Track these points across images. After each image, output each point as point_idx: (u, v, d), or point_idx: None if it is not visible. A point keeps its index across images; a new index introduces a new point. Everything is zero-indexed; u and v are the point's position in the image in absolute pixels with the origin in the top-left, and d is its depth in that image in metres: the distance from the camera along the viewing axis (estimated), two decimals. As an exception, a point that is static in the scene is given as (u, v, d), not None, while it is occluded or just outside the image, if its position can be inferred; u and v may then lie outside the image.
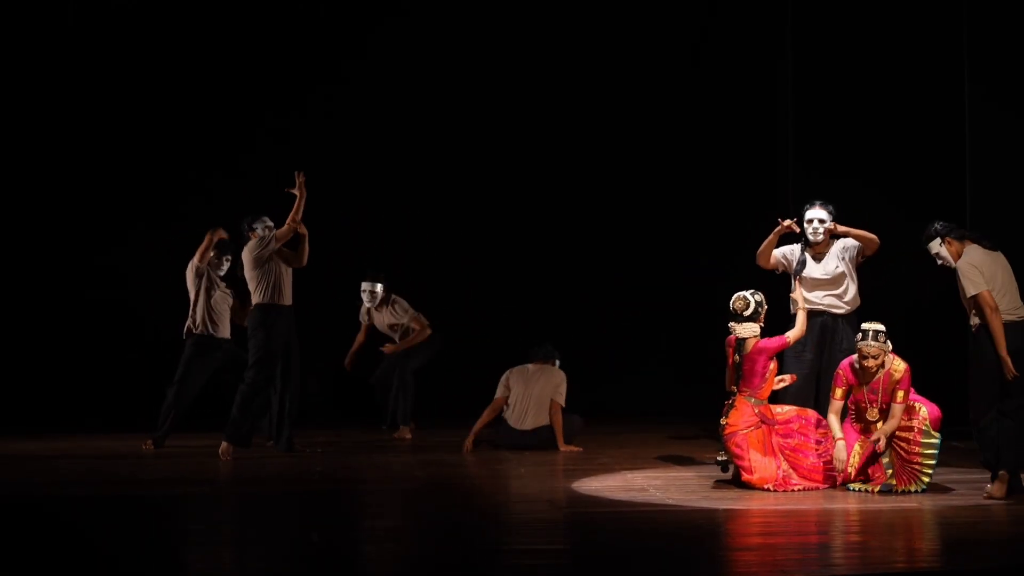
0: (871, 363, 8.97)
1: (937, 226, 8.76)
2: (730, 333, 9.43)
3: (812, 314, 9.89)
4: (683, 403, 13.32)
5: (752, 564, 7.05)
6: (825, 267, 9.97)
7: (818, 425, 9.32)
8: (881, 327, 9.00)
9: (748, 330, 9.37)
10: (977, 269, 8.52)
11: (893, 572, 6.78)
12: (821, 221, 9.92)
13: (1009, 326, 8.49)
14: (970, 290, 8.50)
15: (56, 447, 11.72)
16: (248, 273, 11.02)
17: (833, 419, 9.06)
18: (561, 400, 11.34)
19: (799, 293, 9.79)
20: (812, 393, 9.84)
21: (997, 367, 8.45)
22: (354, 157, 14.12)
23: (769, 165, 13.80)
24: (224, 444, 10.74)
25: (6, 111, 13.87)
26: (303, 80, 14.07)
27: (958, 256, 8.70)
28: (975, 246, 8.66)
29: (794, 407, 9.45)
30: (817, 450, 9.22)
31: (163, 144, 13.95)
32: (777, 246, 10.09)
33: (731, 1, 14.28)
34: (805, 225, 9.96)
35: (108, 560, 7.14)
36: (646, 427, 12.74)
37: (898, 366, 8.99)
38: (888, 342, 9.00)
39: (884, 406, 8.99)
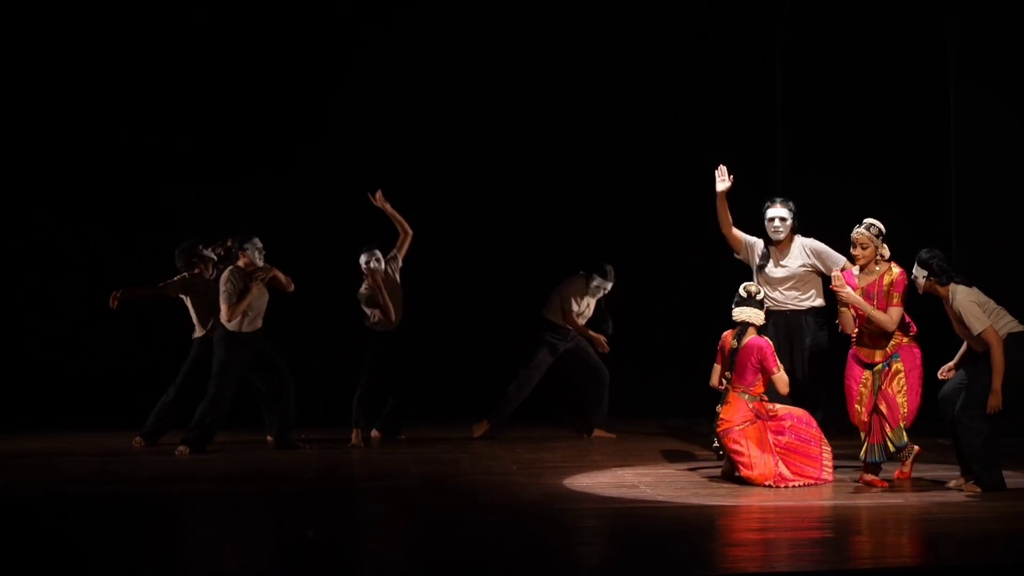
0: (859, 252, 9.12)
1: (934, 262, 8.85)
2: (726, 330, 9.56)
3: (774, 313, 9.91)
4: (674, 401, 13.34)
5: (740, 559, 7.13)
6: (788, 265, 9.97)
7: (810, 424, 9.38)
8: (878, 223, 9.16)
9: (755, 315, 9.45)
10: (976, 305, 8.73)
11: (880, 568, 6.88)
12: (782, 219, 9.95)
13: (1012, 337, 8.72)
14: (977, 328, 8.69)
15: (54, 445, 11.77)
16: (222, 292, 11.18)
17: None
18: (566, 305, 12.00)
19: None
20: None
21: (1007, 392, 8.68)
22: (351, 161, 14.15)
23: (761, 167, 13.91)
24: (183, 447, 11.13)
25: (22, 115, 13.91)
26: (309, 89, 14.17)
27: (926, 292, 8.91)
28: (959, 286, 8.83)
29: (786, 406, 9.48)
30: (809, 450, 9.30)
31: (175, 151, 13.99)
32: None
33: (725, 10, 14.32)
34: (766, 224, 10.00)
35: (106, 558, 7.20)
36: (638, 425, 12.78)
37: (894, 270, 9.12)
38: (882, 240, 9.14)
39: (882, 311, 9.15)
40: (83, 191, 13.95)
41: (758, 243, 10.13)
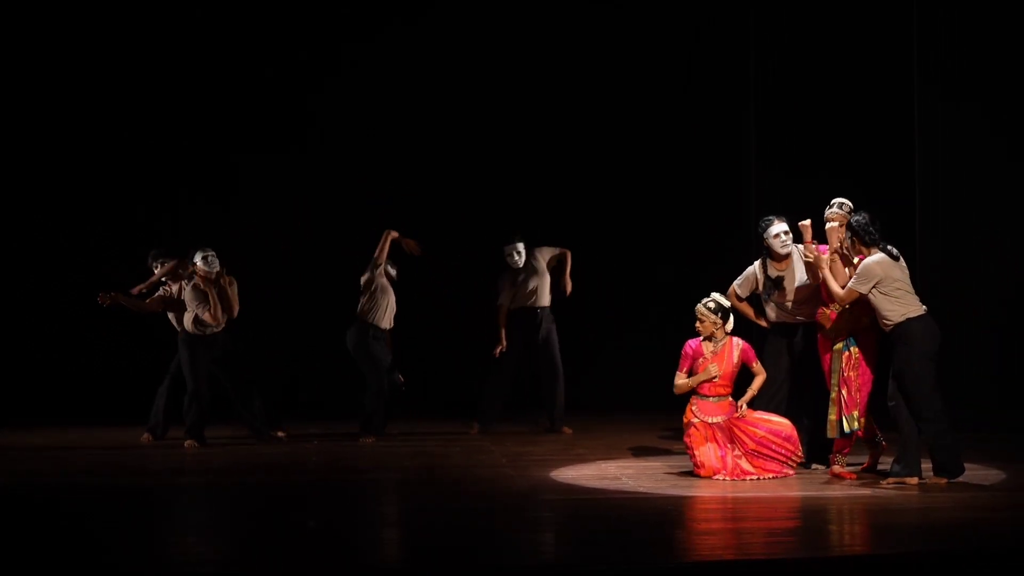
0: (833, 228, 9.37)
1: (867, 224, 9.09)
2: (736, 336, 9.75)
3: (787, 328, 9.92)
4: (656, 396, 13.55)
5: (716, 547, 7.33)
6: (798, 279, 9.83)
7: (788, 440, 9.49)
8: (848, 201, 9.41)
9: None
10: (872, 274, 8.99)
11: (849, 556, 7.09)
12: (787, 232, 9.83)
13: (915, 320, 9.00)
14: (854, 285, 9.04)
15: (62, 439, 11.98)
16: (187, 301, 11.55)
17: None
18: None
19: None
20: (784, 397, 9.88)
21: (920, 367, 8.98)
22: (344, 162, 14.39)
23: (734, 168, 14.23)
24: (189, 441, 11.41)
25: (22, 116, 14.09)
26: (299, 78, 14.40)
27: (847, 246, 9.25)
28: (880, 252, 9.07)
29: (775, 421, 9.56)
30: (776, 458, 9.47)
31: (175, 151, 14.22)
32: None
33: (697, 17, 14.64)
34: (771, 240, 9.86)
35: (114, 546, 7.36)
36: (620, 419, 13.01)
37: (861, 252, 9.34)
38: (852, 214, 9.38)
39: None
40: (83, 192, 14.11)
41: (754, 272, 10.01)
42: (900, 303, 9.02)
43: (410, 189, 14.42)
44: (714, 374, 9.60)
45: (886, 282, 9.01)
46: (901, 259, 9.16)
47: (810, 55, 13.08)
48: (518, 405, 12.88)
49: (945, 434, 9.04)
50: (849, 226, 9.22)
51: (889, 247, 9.13)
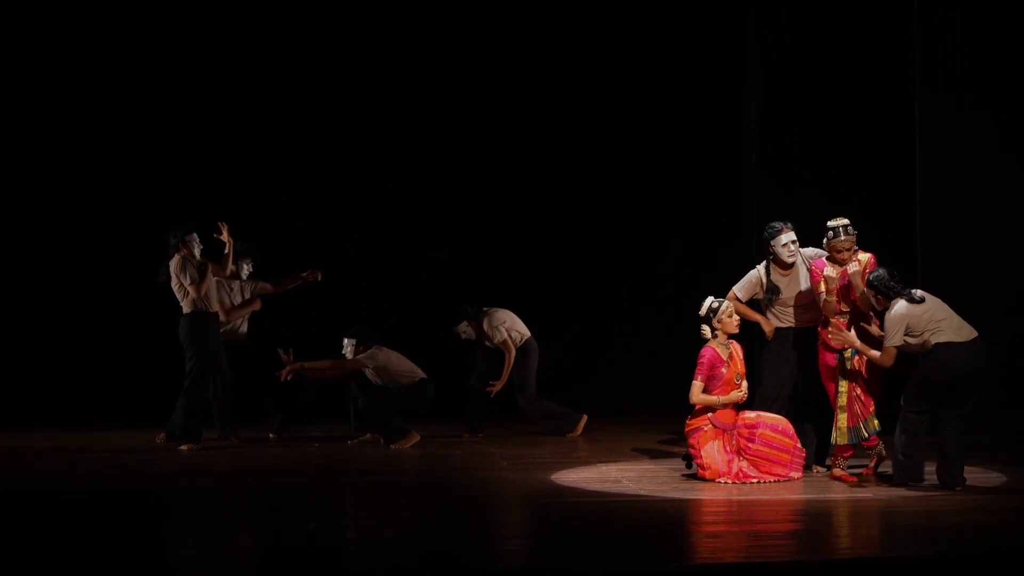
0: (846, 255, 9.36)
1: (886, 280, 9.09)
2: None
3: (788, 333, 9.89)
4: (657, 399, 13.40)
5: (718, 550, 7.35)
6: (802, 284, 9.81)
7: (784, 433, 9.44)
8: (846, 220, 9.41)
9: (705, 331, 9.67)
10: (894, 325, 9.00)
11: (849, 559, 7.12)
12: (795, 242, 9.77)
13: (957, 346, 8.96)
14: (887, 342, 9.04)
15: (68, 441, 12.01)
16: (175, 284, 11.48)
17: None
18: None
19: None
20: (784, 402, 9.84)
21: (920, 377, 9.02)
22: (343, 161, 14.44)
23: (734, 171, 14.25)
24: (188, 444, 11.32)
25: (22, 116, 14.14)
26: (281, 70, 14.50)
27: (869, 303, 9.26)
28: (902, 301, 9.04)
29: (760, 414, 9.55)
30: (780, 457, 9.42)
31: (175, 150, 14.30)
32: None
33: (700, 21, 14.68)
34: (779, 249, 9.80)
35: (112, 551, 7.37)
36: (621, 422, 13.01)
37: (863, 256, 9.39)
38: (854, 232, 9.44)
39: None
40: (83, 191, 14.16)
41: (758, 275, 9.96)
42: (933, 336, 8.99)
43: (410, 189, 14.46)
44: (742, 394, 9.60)
45: (913, 325, 9.01)
46: (928, 299, 9.09)
47: (811, 56, 13.11)
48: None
49: (902, 461, 9.08)
50: (870, 284, 9.17)
51: (911, 292, 9.09)
